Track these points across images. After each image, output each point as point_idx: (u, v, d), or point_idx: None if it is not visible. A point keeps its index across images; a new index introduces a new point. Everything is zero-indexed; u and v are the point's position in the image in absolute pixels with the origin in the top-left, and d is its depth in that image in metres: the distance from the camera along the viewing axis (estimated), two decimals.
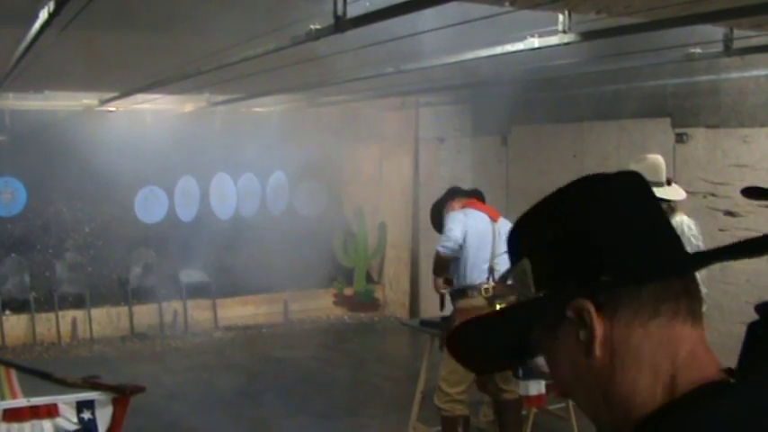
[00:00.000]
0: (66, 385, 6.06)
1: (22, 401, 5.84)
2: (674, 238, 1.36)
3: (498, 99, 10.95)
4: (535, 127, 11.61)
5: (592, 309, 1.26)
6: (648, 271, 1.28)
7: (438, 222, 7.46)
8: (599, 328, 1.25)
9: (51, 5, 3.78)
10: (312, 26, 4.84)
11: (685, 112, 9.27)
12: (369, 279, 15.48)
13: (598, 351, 1.26)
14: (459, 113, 13.02)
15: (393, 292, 15.09)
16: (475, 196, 7.37)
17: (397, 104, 13.31)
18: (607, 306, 1.26)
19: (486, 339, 1.40)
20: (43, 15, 4.02)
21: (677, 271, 1.30)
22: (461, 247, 7.03)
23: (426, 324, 8.56)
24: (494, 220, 7.14)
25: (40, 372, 6.30)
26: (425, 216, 12.75)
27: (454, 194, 7.41)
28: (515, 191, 11.92)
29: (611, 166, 9.61)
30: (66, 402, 5.93)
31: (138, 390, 6.09)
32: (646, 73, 8.93)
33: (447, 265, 7.21)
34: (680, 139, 9.28)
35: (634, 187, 1.42)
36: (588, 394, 1.32)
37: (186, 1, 5.11)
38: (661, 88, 9.25)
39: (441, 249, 7.12)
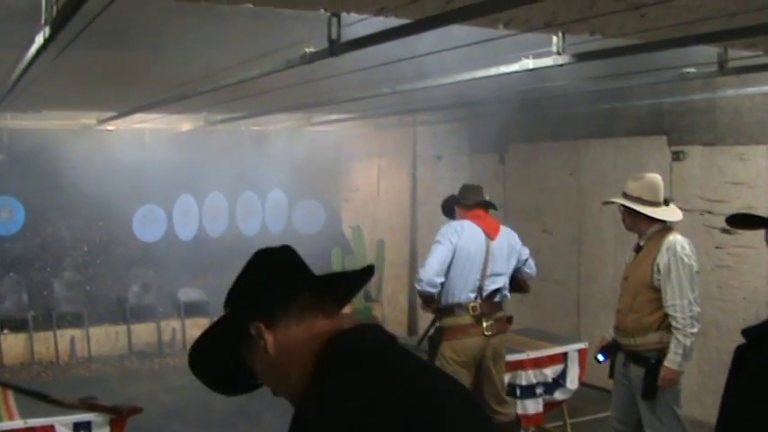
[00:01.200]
0: (63, 406, 6.07)
1: (18, 423, 5.85)
2: (305, 273, 2.18)
3: (495, 117, 10.99)
4: (532, 145, 11.63)
5: (262, 326, 2.09)
6: (287, 297, 2.11)
7: (448, 212, 7.41)
8: (269, 338, 2.09)
9: (47, 31, 3.80)
10: (307, 49, 4.87)
11: (682, 129, 9.29)
12: (367, 297, 15.45)
13: (272, 350, 2.08)
14: (457, 132, 13.04)
15: (391, 310, 15.09)
16: (482, 206, 7.26)
17: (395, 122, 13.32)
18: (271, 322, 2.09)
19: (210, 359, 2.24)
20: (39, 40, 4.04)
21: (301, 293, 2.12)
22: (441, 283, 6.96)
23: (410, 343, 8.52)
24: (491, 237, 7.07)
25: (37, 393, 6.31)
26: (423, 234, 12.84)
27: (466, 195, 7.31)
28: (513, 209, 11.92)
29: (609, 184, 9.70)
30: (63, 424, 5.94)
31: (135, 411, 6.10)
32: (642, 91, 8.96)
33: (431, 299, 7.14)
34: (676, 156, 9.29)
35: (280, 252, 2.23)
36: (278, 382, 2.14)
37: (181, 23, 5.11)
38: (657, 106, 9.28)
39: (418, 288, 7.06)
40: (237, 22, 4.99)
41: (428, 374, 2.23)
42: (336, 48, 4.40)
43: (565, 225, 11.03)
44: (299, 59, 4.99)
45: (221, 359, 2.21)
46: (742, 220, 2.80)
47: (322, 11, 4.22)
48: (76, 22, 3.73)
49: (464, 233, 6.98)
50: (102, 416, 6.02)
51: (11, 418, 5.92)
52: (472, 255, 6.91)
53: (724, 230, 8.69)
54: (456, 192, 7.58)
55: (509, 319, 7.29)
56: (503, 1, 3.54)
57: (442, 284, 6.94)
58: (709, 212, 8.89)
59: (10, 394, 6.39)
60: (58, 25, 3.67)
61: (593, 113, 9.98)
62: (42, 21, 3.82)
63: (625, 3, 4.30)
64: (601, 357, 6.68)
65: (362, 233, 15.46)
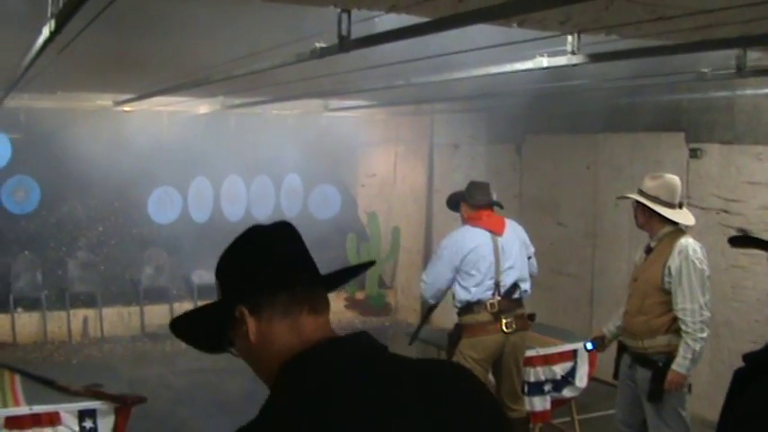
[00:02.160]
0: (68, 393, 6.08)
1: (24, 409, 5.87)
2: (300, 263, 2.12)
3: (513, 108, 10.92)
4: (549, 137, 11.56)
5: (246, 312, 2.04)
6: (275, 287, 2.05)
7: (453, 206, 7.44)
8: (251, 324, 2.04)
9: (52, 24, 3.77)
10: (317, 44, 4.83)
11: (700, 127, 9.21)
12: (381, 283, 15.45)
13: (253, 338, 2.05)
14: (474, 121, 12.97)
15: (405, 298, 15.08)
16: (485, 207, 7.25)
17: (413, 110, 13.26)
18: (255, 310, 2.04)
19: (193, 328, 2.22)
20: (45, 32, 4.02)
21: (292, 285, 2.06)
22: (443, 292, 7.20)
23: (431, 338, 8.59)
24: (497, 234, 7.07)
25: (44, 378, 6.32)
26: (439, 221, 12.79)
27: (472, 194, 7.29)
28: (528, 200, 11.88)
29: (625, 179, 9.64)
30: (68, 411, 5.96)
31: (140, 400, 6.11)
32: (661, 87, 8.87)
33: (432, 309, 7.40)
34: (694, 154, 9.21)
35: (276, 234, 2.15)
36: (256, 367, 2.13)
37: (193, 9, 5.07)
38: (676, 103, 9.19)
39: (423, 294, 7.45)
40: (252, 9, 4.93)
41: (399, 406, 1.98)
42: (346, 44, 4.36)
43: (580, 218, 10.98)
44: (309, 54, 4.96)
45: (206, 330, 2.19)
46: (742, 241, 2.76)
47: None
48: (84, 13, 3.69)
49: (465, 242, 7.05)
50: (107, 404, 6.03)
51: (17, 403, 5.94)
52: (480, 256, 6.97)
53: (740, 230, 8.61)
54: (470, 180, 7.63)
55: (531, 317, 7.31)
56: (516, 4, 3.48)
57: (462, 285, 7.02)
58: (726, 211, 8.82)
59: (17, 379, 6.42)
60: (63, 19, 3.64)
61: (612, 108, 9.90)
62: (48, 13, 3.80)
63: (641, 5, 4.24)
64: (589, 345, 6.78)
65: (378, 220, 15.44)
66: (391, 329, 14.39)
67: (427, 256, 14.32)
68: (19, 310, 12.89)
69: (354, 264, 2.48)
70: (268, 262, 2.09)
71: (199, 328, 2.21)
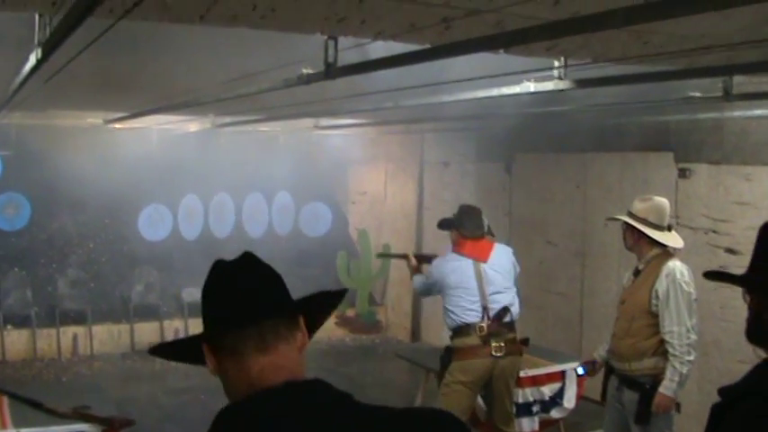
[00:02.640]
0: (56, 416, 6.06)
1: None
2: (251, 300, 2.13)
3: (503, 127, 10.94)
4: (539, 155, 11.59)
5: (206, 348, 2.15)
6: (222, 326, 2.13)
7: (445, 229, 7.55)
8: (210, 360, 2.15)
9: (39, 52, 3.78)
10: (304, 70, 4.85)
11: (688, 147, 9.24)
12: (371, 301, 15.45)
13: (214, 372, 2.17)
14: (464, 139, 13.01)
15: (395, 315, 15.08)
16: (472, 237, 7.32)
17: (403, 128, 13.29)
18: (215, 347, 2.13)
19: (175, 354, 2.40)
20: (32, 59, 4.03)
21: (238, 324, 2.10)
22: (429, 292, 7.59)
23: (422, 360, 8.62)
24: (480, 260, 7.16)
25: (32, 401, 6.30)
26: (429, 239, 12.81)
27: (464, 224, 7.37)
28: (518, 219, 11.90)
29: (614, 199, 9.66)
30: None
31: (128, 423, 6.09)
32: (649, 108, 8.91)
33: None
34: (683, 174, 9.24)
35: (233, 271, 2.19)
36: (227, 395, 2.17)
37: (183, 34, 5.09)
38: (665, 123, 9.21)
39: (415, 285, 7.83)
40: (240, 33, 4.94)
41: None
42: (333, 71, 4.38)
43: (569, 237, 11.00)
44: (296, 79, 4.98)
45: (184, 355, 2.33)
46: (717, 276, 2.81)
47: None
48: (73, 39, 3.70)
49: (446, 270, 7.25)
50: (95, 426, 6.02)
51: (4, 426, 5.92)
52: (464, 283, 7.11)
53: (728, 250, 8.64)
54: (461, 205, 7.74)
55: (524, 342, 7.35)
56: (503, 37, 3.51)
57: (448, 309, 7.19)
58: (714, 231, 8.84)
59: (5, 401, 6.39)
60: (50, 48, 3.65)
61: (601, 127, 9.93)
62: (35, 41, 3.81)
63: (627, 32, 4.26)
64: (581, 370, 6.83)
65: (368, 237, 15.44)
66: (382, 347, 14.37)
67: None
68: (8, 327, 12.86)
69: (335, 289, 2.42)
70: (217, 301, 2.17)
71: (178, 353, 2.39)
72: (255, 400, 2.04)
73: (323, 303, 2.35)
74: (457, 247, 7.31)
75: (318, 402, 2.06)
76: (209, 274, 2.20)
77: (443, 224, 7.58)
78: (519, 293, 7.41)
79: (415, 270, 7.89)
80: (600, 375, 6.66)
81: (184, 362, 2.32)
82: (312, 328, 2.27)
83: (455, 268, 7.17)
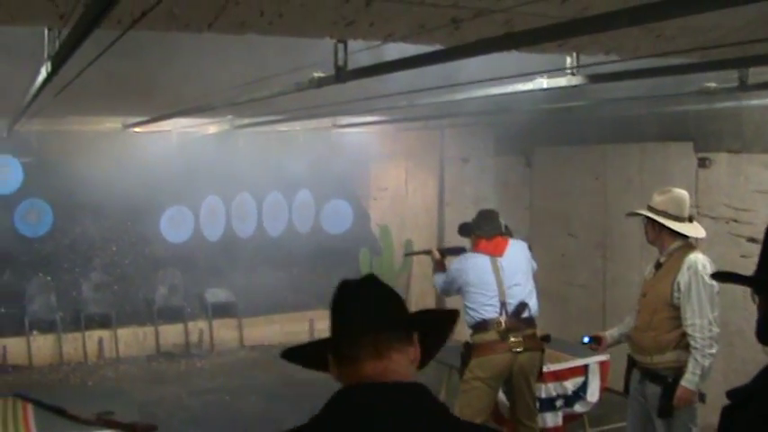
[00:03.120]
0: (79, 422, 6.11)
1: None
2: (368, 315, 2.44)
3: (521, 121, 10.92)
4: (558, 148, 11.56)
5: (330, 357, 2.47)
6: (341, 337, 2.44)
7: (465, 234, 7.65)
8: (333, 369, 2.46)
9: (48, 66, 3.80)
10: (315, 74, 4.85)
11: (708, 136, 9.19)
12: None
13: (334, 377, 2.46)
14: (483, 134, 12.99)
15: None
16: (487, 236, 7.36)
17: (422, 124, 13.28)
18: (338, 356, 2.45)
19: (304, 357, 2.62)
20: (43, 72, 4.05)
21: (355, 335, 2.41)
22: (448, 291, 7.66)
23: (444, 357, 8.57)
24: (496, 255, 7.20)
25: (55, 407, 6.36)
26: (451, 234, 12.79)
27: (481, 225, 7.45)
28: (539, 212, 11.88)
29: (634, 190, 9.62)
30: None
31: (150, 428, 6.12)
32: (667, 98, 8.86)
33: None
34: (702, 163, 9.19)
35: (353, 290, 2.51)
36: None
37: (196, 41, 5.10)
38: (683, 112, 9.16)
39: (436, 283, 7.89)
40: (252, 38, 4.94)
41: None
42: (343, 74, 4.38)
43: (590, 229, 10.97)
44: (307, 83, 4.99)
45: (313, 362, 2.61)
46: (727, 278, 2.80)
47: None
48: (83, 51, 3.71)
49: (465, 268, 7.34)
50: None
51: None
52: (481, 278, 7.18)
53: (750, 239, 8.59)
54: (479, 210, 7.83)
55: (545, 338, 7.34)
56: (511, 38, 3.49)
57: (468, 307, 7.23)
58: (735, 221, 8.79)
59: (29, 408, 6.45)
60: (59, 61, 3.66)
61: (620, 118, 9.88)
62: (45, 55, 3.83)
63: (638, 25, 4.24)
64: (586, 339, 6.79)
65: (390, 233, 15.43)
66: None
67: None
68: (34, 332, 12.92)
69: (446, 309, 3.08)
70: (340, 314, 2.48)
71: (309, 359, 2.63)
72: (360, 387, 2.38)
73: (436, 323, 2.70)
74: (474, 248, 7.44)
75: (415, 402, 2.36)
76: (336, 291, 2.52)
77: (462, 230, 7.70)
78: (537, 290, 7.40)
79: (439, 265, 7.93)
80: (623, 368, 6.63)
81: (313, 369, 2.60)
82: (429, 348, 2.56)
83: (473, 265, 7.25)
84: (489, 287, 7.10)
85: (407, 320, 2.52)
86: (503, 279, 7.11)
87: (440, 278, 7.79)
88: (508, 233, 7.47)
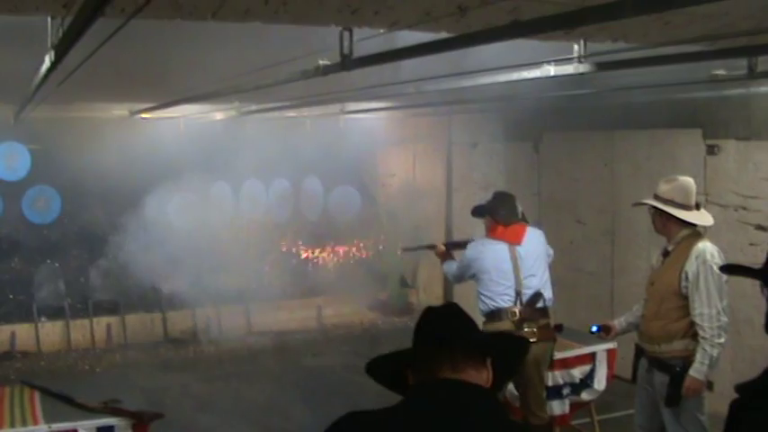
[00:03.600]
0: (87, 410, 6.11)
1: (42, 428, 5.90)
2: (447, 338, 2.70)
3: (530, 106, 10.88)
4: (567, 134, 11.52)
5: (410, 372, 2.72)
6: (423, 351, 2.71)
7: (479, 216, 7.53)
8: (410, 378, 2.71)
9: (52, 54, 3.78)
10: (321, 62, 4.83)
11: (716, 123, 9.14)
12: (403, 283, 15.44)
13: (411, 382, 2.70)
14: (492, 119, 12.94)
15: (427, 297, 15.06)
16: (505, 222, 7.29)
17: (430, 110, 13.24)
18: (416, 370, 2.70)
19: (384, 367, 2.84)
20: (47, 61, 4.03)
21: (438, 357, 2.66)
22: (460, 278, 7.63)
23: None
24: (514, 243, 7.12)
25: (62, 395, 6.36)
26: (459, 220, 12.77)
27: (497, 210, 7.34)
28: (547, 198, 11.85)
29: (642, 176, 9.58)
30: (86, 428, 5.99)
31: (157, 417, 6.13)
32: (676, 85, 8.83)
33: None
34: (711, 150, 9.15)
35: (436, 316, 2.82)
36: None
37: (201, 28, 5.07)
38: (691, 99, 9.10)
39: (447, 272, 7.85)
40: (258, 25, 4.92)
41: None
42: (348, 62, 4.36)
43: (598, 216, 10.94)
44: (313, 71, 4.97)
45: (390, 375, 2.83)
46: (734, 270, 2.81)
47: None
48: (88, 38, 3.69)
49: (482, 254, 7.25)
50: (126, 420, 6.06)
51: (35, 422, 5.97)
52: (499, 267, 7.11)
53: (758, 227, 8.56)
54: (495, 192, 7.78)
55: (558, 327, 7.31)
56: (518, 27, 3.47)
57: (483, 294, 7.18)
58: (744, 208, 8.76)
59: (36, 396, 6.46)
60: (62, 51, 3.64)
61: (628, 104, 9.84)
62: (48, 44, 3.81)
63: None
64: (594, 328, 6.78)
65: (398, 219, 15.40)
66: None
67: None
68: (43, 319, 12.95)
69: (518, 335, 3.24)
70: (420, 335, 2.77)
71: (387, 373, 2.84)
72: (432, 383, 2.65)
73: (508, 351, 2.94)
74: (491, 233, 7.30)
75: (476, 401, 2.59)
76: (421, 315, 2.85)
77: (477, 211, 7.56)
78: (552, 279, 7.37)
79: (444, 257, 7.89)
80: (630, 356, 6.62)
81: (391, 389, 2.84)
82: (500, 374, 2.81)
83: (490, 252, 7.18)
84: (506, 276, 7.06)
85: (482, 342, 2.85)
86: (520, 268, 7.07)
87: (451, 266, 7.76)
88: (524, 219, 7.41)
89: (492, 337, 3.18)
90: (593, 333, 6.89)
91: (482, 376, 2.70)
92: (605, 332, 6.76)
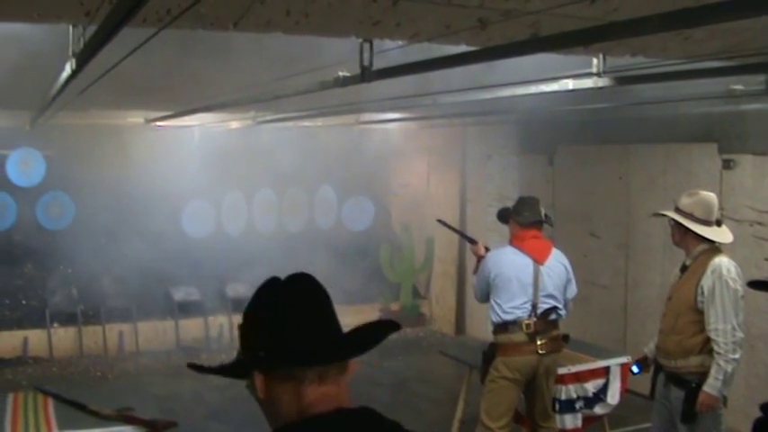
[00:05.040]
0: (100, 417, 6.10)
1: None
2: (310, 329, 2.20)
3: (545, 119, 10.87)
4: (581, 147, 11.50)
5: (257, 375, 2.19)
6: (281, 363, 2.18)
7: (504, 220, 7.43)
8: (260, 385, 2.20)
9: (74, 62, 3.79)
10: (340, 73, 4.84)
11: (732, 138, 9.12)
12: (415, 294, 15.43)
13: (261, 395, 2.21)
14: (506, 131, 12.94)
15: (439, 308, 15.05)
16: (536, 226, 7.23)
17: (444, 121, 13.25)
18: (267, 374, 2.18)
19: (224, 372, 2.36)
20: (68, 69, 4.05)
21: (315, 365, 2.18)
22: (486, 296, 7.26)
23: (465, 357, 8.55)
24: (539, 262, 7.06)
25: (76, 402, 6.35)
26: (472, 231, 12.76)
27: (521, 212, 7.23)
28: (561, 211, 11.81)
29: (658, 190, 9.56)
30: None
31: (170, 425, 6.11)
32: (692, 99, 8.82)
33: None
34: (727, 165, 9.13)
35: (289, 294, 2.27)
36: (266, 416, 2.26)
37: (221, 38, 5.09)
38: (708, 113, 9.09)
39: (474, 284, 7.48)
40: (278, 35, 4.93)
41: None
42: (368, 74, 4.36)
43: (613, 230, 10.91)
44: (332, 82, 4.98)
45: (233, 372, 2.34)
46: (761, 286, 2.79)
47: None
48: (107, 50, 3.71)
49: (504, 263, 7.11)
50: (139, 429, 6.05)
51: (49, 429, 5.96)
52: (518, 280, 7.00)
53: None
54: (520, 196, 7.78)
55: (565, 338, 7.28)
56: (538, 42, 3.47)
57: (497, 303, 7.05)
58: (759, 223, 8.73)
59: (50, 403, 6.46)
60: (83, 59, 3.66)
61: (644, 118, 9.83)
62: (70, 52, 3.82)
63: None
64: (635, 369, 6.73)
65: (412, 230, 15.41)
66: (426, 340, 14.35)
67: (461, 266, 14.33)
68: (55, 325, 12.97)
69: (374, 322, 2.41)
70: (274, 329, 2.22)
71: (227, 371, 2.36)
72: (310, 423, 2.15)
73: (375, 334, 2.39)
74: (516, 241, 7.18)
75: (368, 429, 2.23)
76: (262, 295, 2.29)
77: (501, 215, 7.49)
78: (571, 296, 7.33)
79: (479, 261, 7.64)
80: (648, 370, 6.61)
81: (223, 375, 2.40)
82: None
83: (513, 261, 7.07)
84: (526, 289, 6.97)
85: (358, 348, 2.31)
86: (540, 286, 6.99)
87: (477, 281, 7.47)
88: (549, 221, 7.31)
89: (361, 335, 2.31)
90: (635, 374, 6.86)
91: (349, 373, 2.26)
92: (645, 366, 6.71)
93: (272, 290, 2.29)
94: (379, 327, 2.39)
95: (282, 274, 2.30)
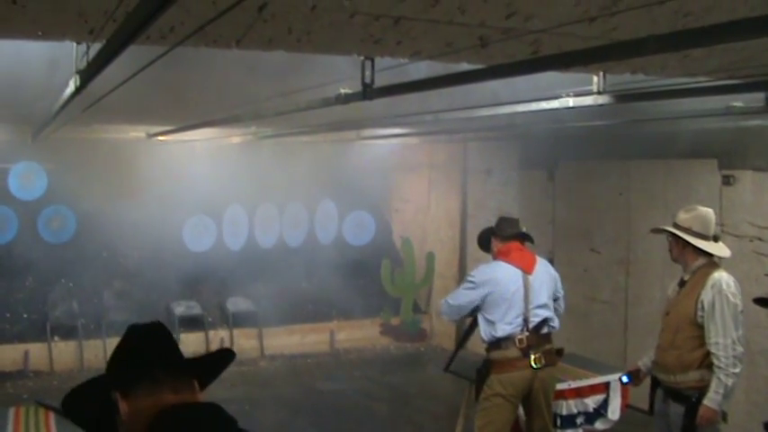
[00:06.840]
0: None
1: None
2: (163, 356, 2.63)
3: (545, 134, 10.89)
4: (582, 163, 11.52)
5: (119, 395, 2.51)
6: (138, 374, 2.54)
7: (485, 245, 7.45)
8: (123, 406, 2.50)
9: (78, 79, 3.82)
10: (342, 90, 4.87)
11: (732, 154, 9.14)
12: (416, 309, 15.43)
13: (125, 418, 2.49)
14: (507, 147, 12.97)
15: (440, 323, 15.04)
16: (518, 238, 7.26)
17: (445, 137, 13.28)
18: (126, 393, 2.51)
19: (89, 397, 2.70)
20: (72, 85, 4.07)
21: (155, 373, 2.54)
22: (462, 316, 7.35)
23: (463, 371, 8.52)
24: (527, 272, 7.07)
25: None
26: (473, 247, 12.78)
27: (502, 227, 7.29)
28: (562, 226, 11.84)
29: (658, 206, 9.58)
30: None
31: None
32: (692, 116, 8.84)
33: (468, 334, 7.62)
34: (726, 181, 9.15)
35: (146, 335, 2.69)
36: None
37: (223, 55, 5.12)
38: (707, 130, 9.11)
39: (441, 308, 7.38)
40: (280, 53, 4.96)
41: None
42: (370, 92, 4.39)
43: (613, 245, 10.93)
44: (334, 99, 5.00)
45: (93, 411, 2.66)
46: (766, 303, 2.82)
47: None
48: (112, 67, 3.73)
49: (497, 276, 7.07)
50: None
51: None
52: (511, 293, 6.97)
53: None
54: (499, 216, 7.64)
55: (559, 352, 7.27)
56: (538, 62, 3.49)
57: (489, 320, 7.02)
58: (759, 239, 8.75)
59: (51, 417, 6.46)
60: (87, 77, 3.69)
61: (644, 134, 9.85)
62: (74, 68, 3.85)
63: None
64: (625, 379, 6.77)
65: (412, 245, 15.42)
66: (426, 355, 14.37)
67: (462, 281, 14.30)
68: (56, 338, 12.97)
69: (216, 351, 2.99)
70: (135, 353, 2.63)
71: (88, 409, 2.70)
72: (166, 414, 2.47)
73: (216, 364, 2.90)
74: (502, 255, 7.19)
75: (206, 419, 2.56)
76: (127, 334, 2.70)
77: (482, 238, 7.50)
78: (559, 312, 7.33)
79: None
80: (647, 385, 6.61)
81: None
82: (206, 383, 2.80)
83: (504, 275, 7.04)
84: (517, 303, 6.94)
85: (196, 370, 2.74)
86: (530, 297, 6.98)
87: (455, 297, 7.32)
88: (529, 238, 7.34)
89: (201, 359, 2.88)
90: (625, 384, 6.88)
91: (197, 390, 2.67)
92: (636, 377, 6.75)
93: (132, 335, 2.70)
94: (218, 354, 2.90)
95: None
